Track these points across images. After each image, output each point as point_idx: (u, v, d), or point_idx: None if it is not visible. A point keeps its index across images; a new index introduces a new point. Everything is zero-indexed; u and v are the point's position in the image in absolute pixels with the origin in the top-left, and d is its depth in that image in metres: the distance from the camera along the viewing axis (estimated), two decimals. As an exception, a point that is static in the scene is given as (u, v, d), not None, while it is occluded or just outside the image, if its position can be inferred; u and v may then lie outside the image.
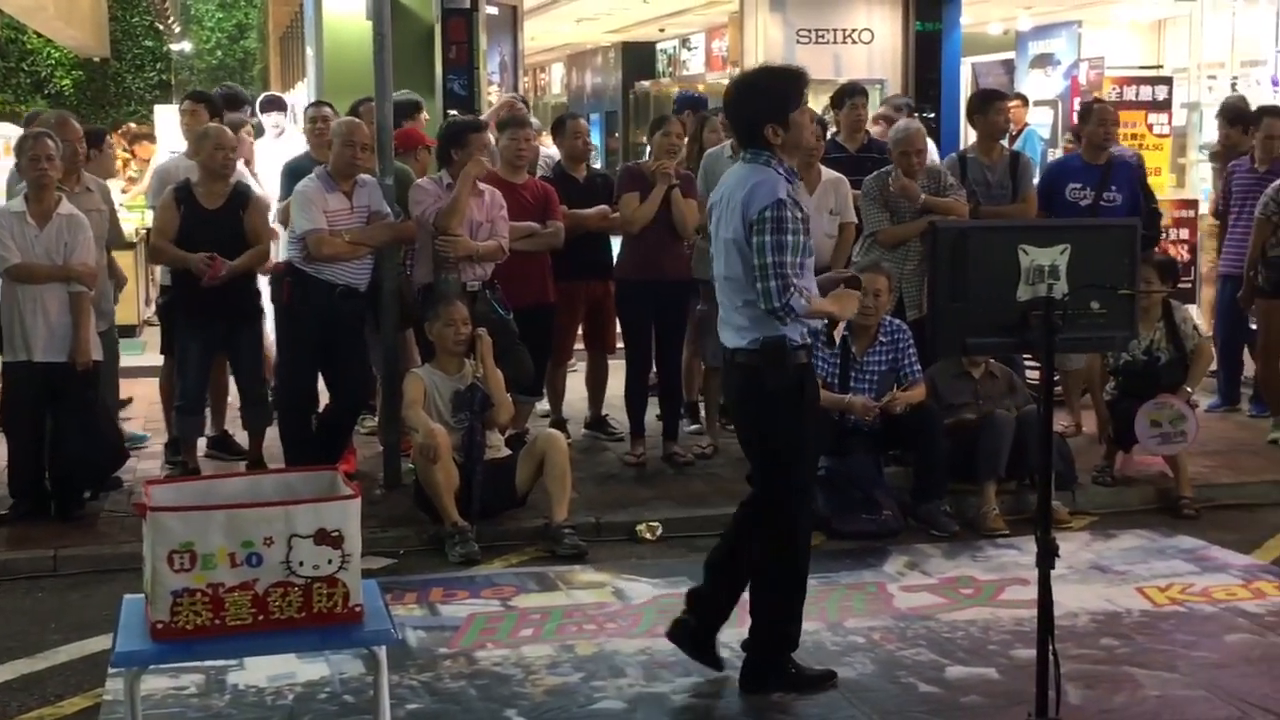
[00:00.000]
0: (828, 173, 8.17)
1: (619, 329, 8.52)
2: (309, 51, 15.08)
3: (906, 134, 8.09)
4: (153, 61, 34.81)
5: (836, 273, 5.65)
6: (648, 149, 9.46)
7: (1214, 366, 9.23)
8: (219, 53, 39.67)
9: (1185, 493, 7.52)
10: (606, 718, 4.98)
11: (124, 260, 9.33)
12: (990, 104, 8.76)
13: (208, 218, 7.55)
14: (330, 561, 3.71)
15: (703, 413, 8.77)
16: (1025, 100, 13.51)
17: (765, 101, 4.92)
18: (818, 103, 14.38)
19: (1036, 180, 8.94)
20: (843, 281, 5.15)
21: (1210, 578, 6.44)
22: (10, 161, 8.06)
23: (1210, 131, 13.81)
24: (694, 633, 5.31)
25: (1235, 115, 10.24)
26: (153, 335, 10.52)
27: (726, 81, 15.95)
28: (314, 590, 3.71)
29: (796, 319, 4.89)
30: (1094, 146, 8.69)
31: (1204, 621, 5.90)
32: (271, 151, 10.33)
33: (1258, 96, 13.09)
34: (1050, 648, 4.13)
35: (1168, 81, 14.14)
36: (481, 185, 7.56)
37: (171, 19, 32.13)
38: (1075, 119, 11.25)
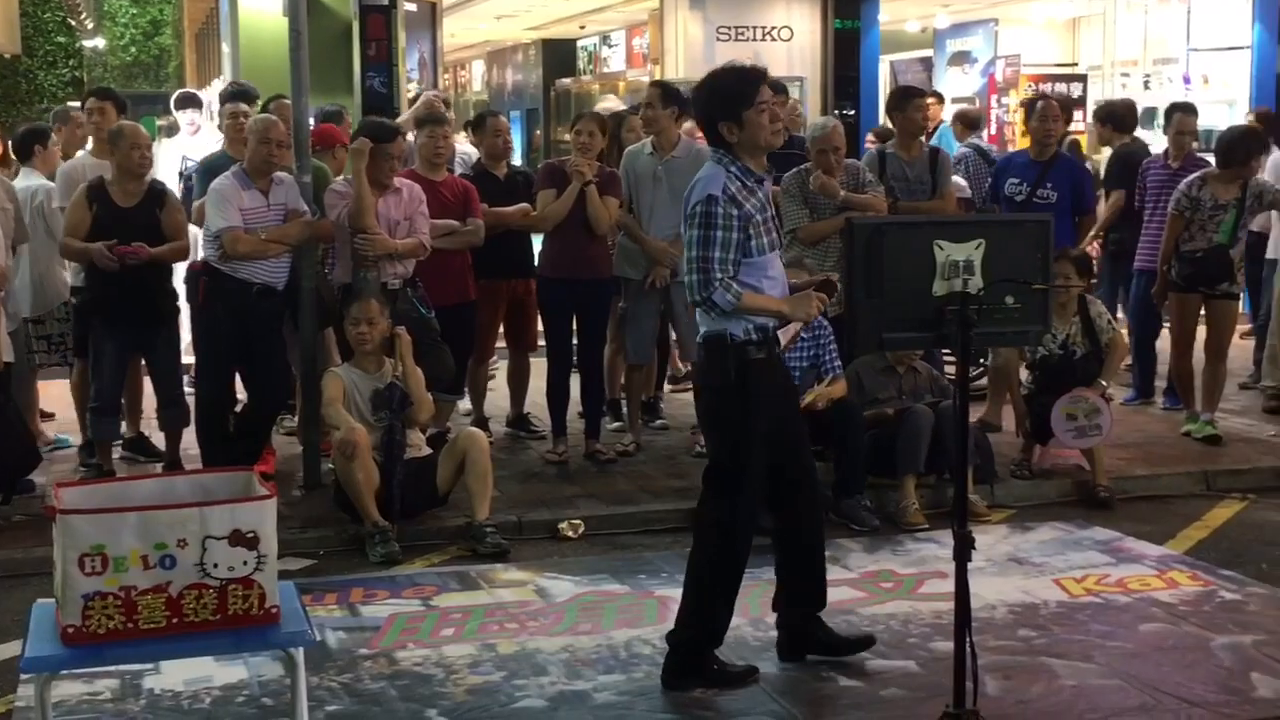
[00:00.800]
0: None
1: (541, 327, 8.51)
2: (225, 48, 14.94)
3: (824, 131, 8.15)
4: (65, 58, 34.30)
5: (815, 276, 5.69)
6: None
7: (1129, 360, 9.38)
8: (133, 49, 39.18)
9: (1101, 481, 7.63)
10: (528, 716, 4.96)
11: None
12: (908, 101, 8.86)
13: (122, 216, 7.45)
14: (245, 563, 3.67)
15: (625, 410, 8.77)
16: (941, 97, 13.64)
17: (719, 100, 4.97)
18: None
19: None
20: (816, 284, 5.14)
21: (1125, 568, 6.52)
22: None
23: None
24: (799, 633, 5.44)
25: (1106, 114, 10.56)
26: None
27: (647, 79, 15.99)
28: (229, 592, 3.66)
29: (725, 314, 4.92)
30: (1037, 143, 8.86)
31: (1119, 612, 5.97)
32: (186, 149, 10.21)
33: (1170, 94, 13.30)
34: (967, 640, 4.17)
35: (1082, 79, 14.34)
36: (399, 182, 7.52)
37: (84, 15, 31.68)
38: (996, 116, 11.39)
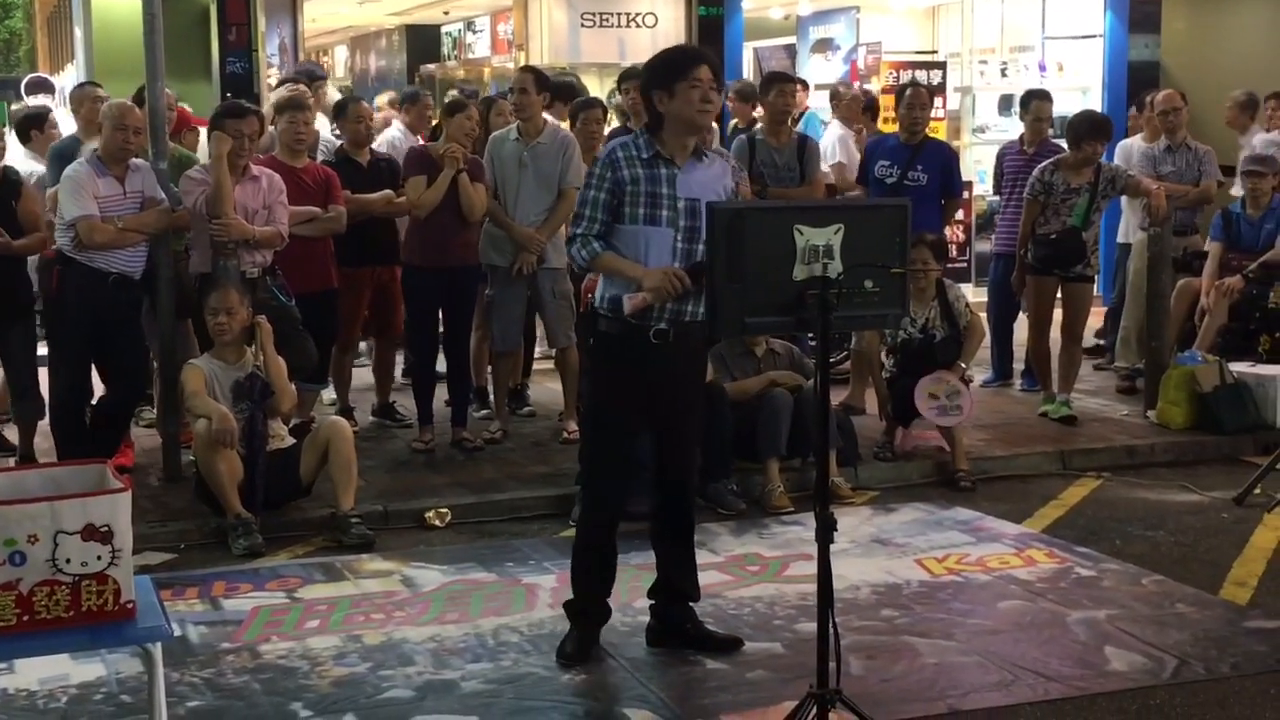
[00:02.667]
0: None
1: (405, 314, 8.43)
2: (78, 32, 14.56)
3: None
4: (-89, 41, 33.22)
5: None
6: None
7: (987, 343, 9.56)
8: (-17, 32, 38.05)
9: (962, 466, 7.77)
10: (395, 706, 4.93)
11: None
12: (770, 86, 8.94)
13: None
14: (99, 558, 3.58)
15: (491, 397, 8.73)
16: (805, 84, 13.75)
17: (658, 70, 5.12)
18: (603, 88, 14.47)
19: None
20: (689, 269, 5.09)
21: (985, 547, 6.66)
22: None
23: (982, 115, 14.31)
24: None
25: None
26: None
27: (511, 65, 15.89)
28: (83, 588, 3.58)
29: (587, 271, 5.16)
30: (906, 129, 9.02)
31: (979, 590, 6.10)
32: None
33: (1026, 81, 13.55)
34: (830, 620, 4.21)
35: (942, 66, 14.54)
36: (256, 170, 7.40)
37: (-70, -3, 30.69)
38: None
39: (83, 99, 8.74)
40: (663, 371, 5.11)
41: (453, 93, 9.68)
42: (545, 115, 8.37)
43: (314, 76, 9.34)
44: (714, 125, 8.49)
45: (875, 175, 9.09)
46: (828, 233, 4.22)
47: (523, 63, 14.94)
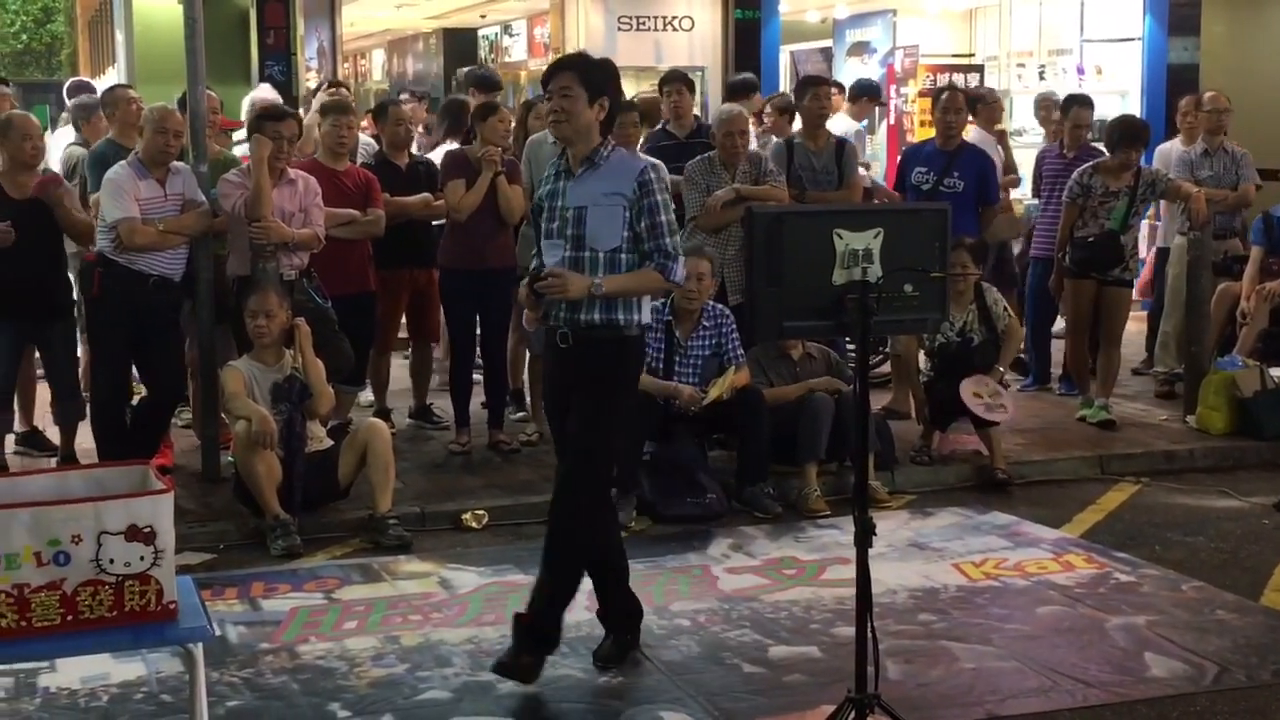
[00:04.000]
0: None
1: (443, 317, 8.46)
2: (119, 36, 14.69)
3: (728, 115, 8.19)
4: (-47, 46, 33.53)
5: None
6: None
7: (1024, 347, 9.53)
8: (24, 36, 38.35)
9: (999, 464, 7.74)
10: (433, 708, 4.94)
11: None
12: (805, 90, 8.92)
13: (15, 209, 7.30)
14: (142, 558, 3.61)
15: (528, 400, 8.75)
16: (841, 87, 13.74)
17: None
18: (639, 89, 14.45)
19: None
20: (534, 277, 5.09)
21: (1023, 552, 6.63)
22: None
23: (1020, 119, 14.26)
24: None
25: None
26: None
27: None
28: (126, 588, 3.60)
29: None
30: (942, 133, 8.98)
31: (1017, 595, 6.07)
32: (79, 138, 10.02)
33: (1064, 85, 13.50)
34: (869, 625, 4.21)
35: (979, 69, 14.50)
36: (294, 173, 7.44)
37: (-28, 2, 30.97)
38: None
39: (115, 102, 8.80)
40: (567, 375, 5.09)
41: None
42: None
43: (491, 84, 9.44)
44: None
45: (911, 181, 9.04)
46: (867, 237, 4.22)
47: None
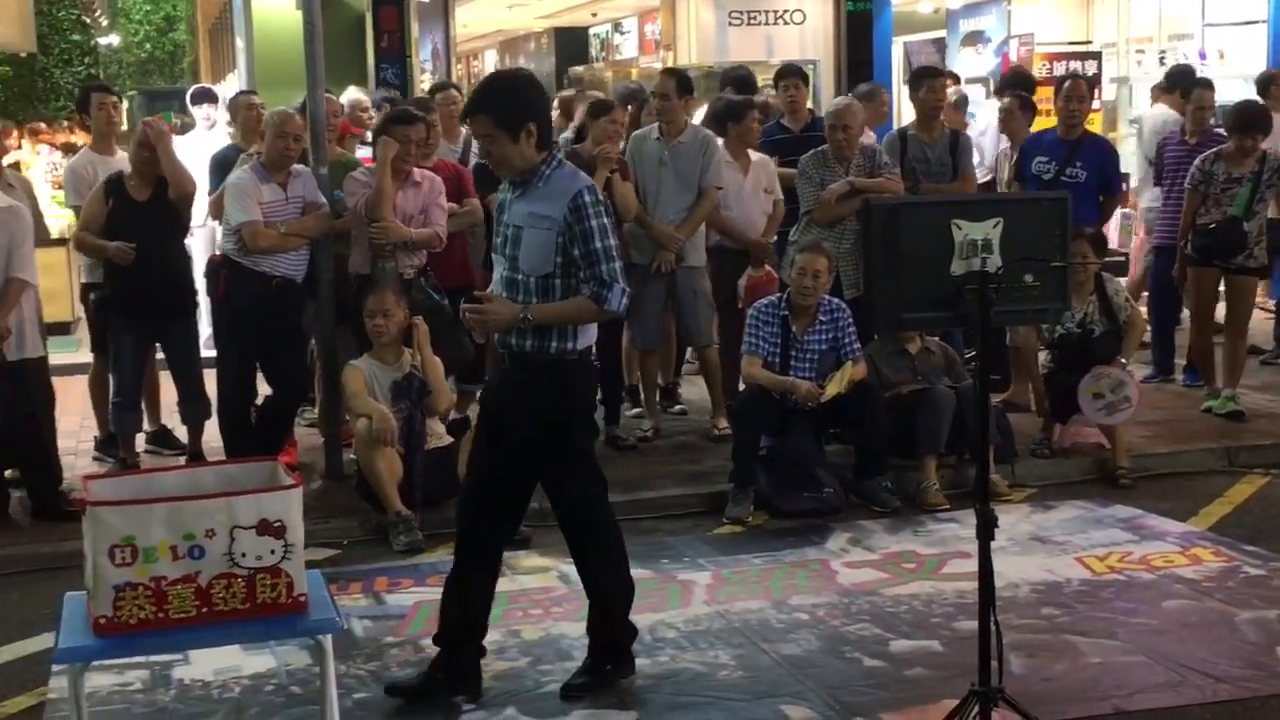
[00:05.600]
0: (755, 155, 8.31)
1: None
2: (239, 43, 14.96)
3: (838, 108, 8.16)
4: (80, 56, 34.40)
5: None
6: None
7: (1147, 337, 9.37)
8: (148, 45, 39.25)
9: (1122, 463, 7.62)
10: (555, 701, 4.99)
11: (55, 257, 9.24)
12: (920, 81, 8.85)
13: (136, 210, 7.50)
14: (273, 552, 3.69)
15: (642, 396, 8.78)
16: (957, 78, 13.61)
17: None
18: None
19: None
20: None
21: (1148, 546, 6.53)
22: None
23: (1139, 106, 14.01)
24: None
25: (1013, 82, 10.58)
26: (88, 333, 10.41)
27: (659, 65, 15.94)
28: (258, 581, 3.69)
29: None
30: (1063, 122, 8.85)
31: (1143, 589, 5.98)
32: (203, 144, 10.23)
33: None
34: (992, 618, 4.17)
35: (1097, 56, 14.27)
36: (419, 175, 7.53)
37: (99, 12, 31.74)
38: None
39: (238, 107, 8.99)
40: (506, 394, 4.97)
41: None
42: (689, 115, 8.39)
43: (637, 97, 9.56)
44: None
45: (1032, 171, 8.90)
46: (986, 227, 4.18)
47: (670, 63, 15.03)
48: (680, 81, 8.31)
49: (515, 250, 4.77)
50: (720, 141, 8.31)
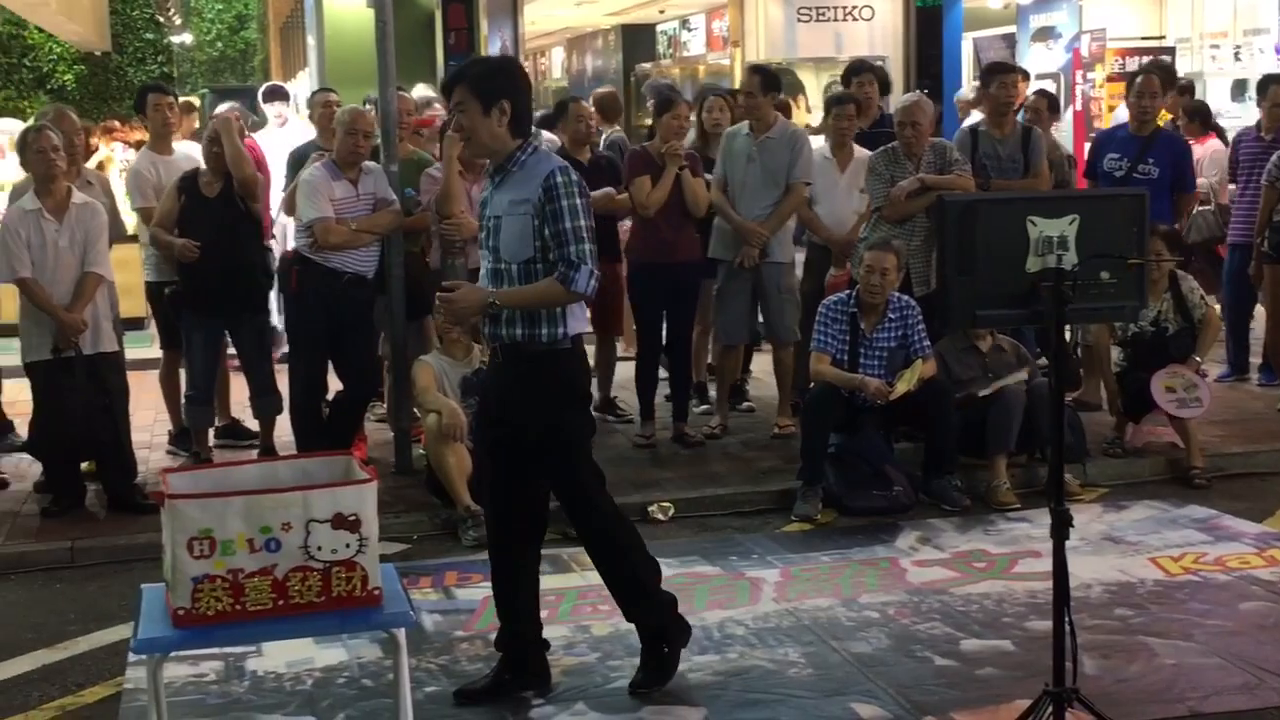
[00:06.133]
0: (859, 151, 8.28)
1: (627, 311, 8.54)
2: (310, 41, 15.10)
3: (906, 105, 8.11)
4: (154, 54, 34.76)
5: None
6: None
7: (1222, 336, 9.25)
8: (219, 44, 39.65)
9: (1196, 463, 7.53)
10: (623, 697, 4.99)
11: (131, 254, 9.34)
12: (991, 77, 8.76)
13: (206, 207, 7.59)
14: (348, 545, 3.72)
15: (712, 393, 8.78)
16: (1026, 75, 13.49)
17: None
18: (819, 83, 14.39)
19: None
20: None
21: (1223, 546, 6.44)
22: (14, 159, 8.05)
23: (1214, 102, 13.82)
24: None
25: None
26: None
27: (726, 62, 15.93)
28: (333, 574, 3.72)
29: None
30: (1136, 118, 8.76)
31: (1218, 590, 5.91)
32: (274, 141, 10.33)
33: (1261, 65, 13.06)
34: (1067, 618, 4.14)
35: (1170, 52, 14.10)
36: None
37: (172, 11, 32.08)
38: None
39: (315, 105, 9.06)
40: (500, 388, 4.93)
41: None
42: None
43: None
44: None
45: (1104, 168, 8.81)
46: (1062, 223, 4.14)
47: (738, 60, 15.01)
48: (765, 78, 8.29)
49: (496, 241, 4.73)
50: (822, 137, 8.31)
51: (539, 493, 5.01)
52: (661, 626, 5.09)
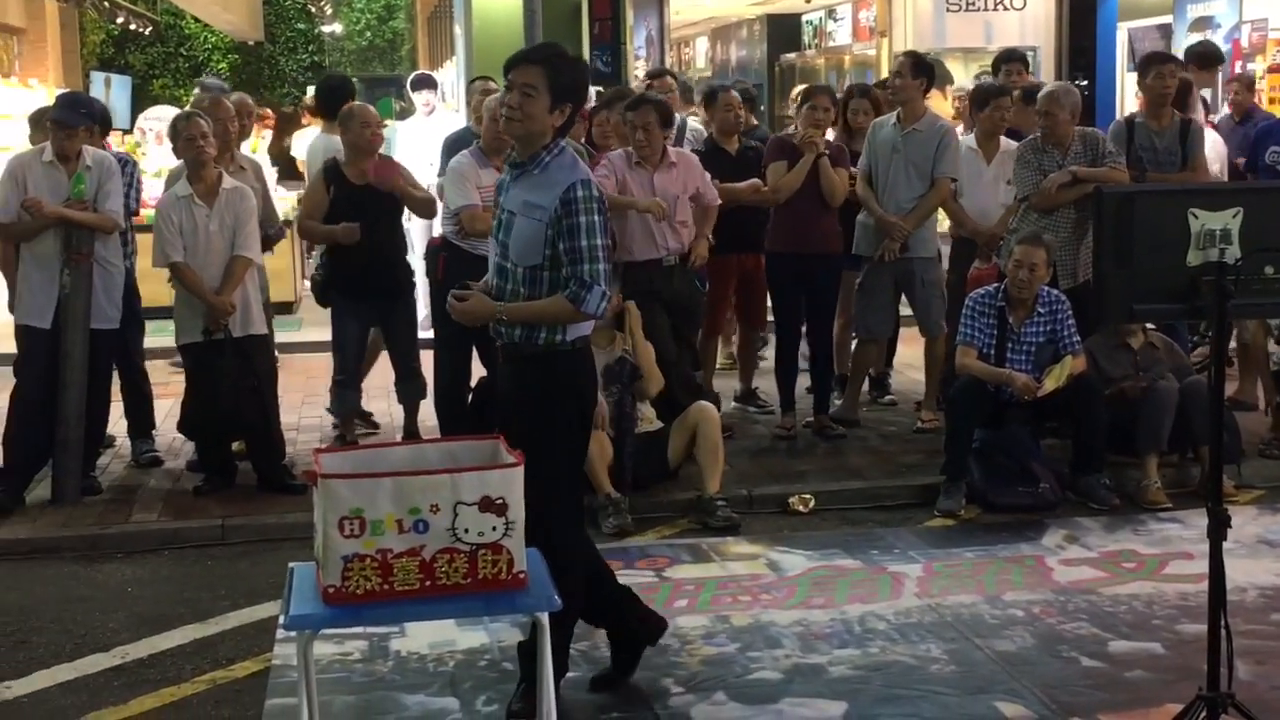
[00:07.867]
0: (1005, 143, 8.16)
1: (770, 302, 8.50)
2: (457, 30, 15.25)
3: (1041, 95, 7.94)
4: (305, 44, 35.45)
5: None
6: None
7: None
8: (368, 34, 40.26)
9: (1357, 466, 7.30)
10: (764, 688, 4.98)
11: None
12: (1149, 67, 8.53)
13: (356, 193, 7.68)
14: (495, 529, 3.74)
15: (849, 385, 8.68)
16: (1183, 65, 13.14)
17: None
18: (968, 74, 14.18)
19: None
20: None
21: (1386, 553, 6.24)
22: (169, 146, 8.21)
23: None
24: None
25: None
26: (309, 312, 10.73)
27: (872, 52, 15.77)
28: (479, 557, 3.75)
29: None
30: None
31: (1381, 598, 5.72)
32: (421, 129, 10.46)
33: None
34: (1223, 621, 4.03)
35: (1336, 42, 13.63)
36: (674, 155, 7.56)
37: (323, 1, 32.68)
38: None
39: (472, 92, 9.12)
40: (506, 388, 4.83)
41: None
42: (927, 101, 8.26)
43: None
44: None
45: (1265, 162, 8.54)
46: (1225, 216, 4.03)
47: (885, 51, 14.86)
48: (916, 62, 8.18)
49: (507, 237, 4.61)
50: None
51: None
52: (632, 635, 5.07)
